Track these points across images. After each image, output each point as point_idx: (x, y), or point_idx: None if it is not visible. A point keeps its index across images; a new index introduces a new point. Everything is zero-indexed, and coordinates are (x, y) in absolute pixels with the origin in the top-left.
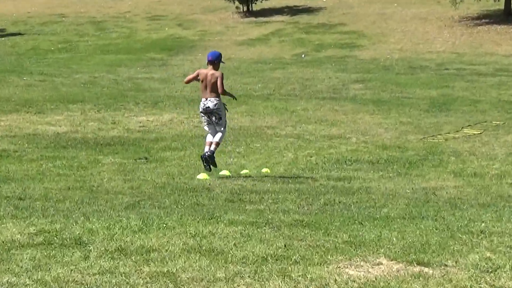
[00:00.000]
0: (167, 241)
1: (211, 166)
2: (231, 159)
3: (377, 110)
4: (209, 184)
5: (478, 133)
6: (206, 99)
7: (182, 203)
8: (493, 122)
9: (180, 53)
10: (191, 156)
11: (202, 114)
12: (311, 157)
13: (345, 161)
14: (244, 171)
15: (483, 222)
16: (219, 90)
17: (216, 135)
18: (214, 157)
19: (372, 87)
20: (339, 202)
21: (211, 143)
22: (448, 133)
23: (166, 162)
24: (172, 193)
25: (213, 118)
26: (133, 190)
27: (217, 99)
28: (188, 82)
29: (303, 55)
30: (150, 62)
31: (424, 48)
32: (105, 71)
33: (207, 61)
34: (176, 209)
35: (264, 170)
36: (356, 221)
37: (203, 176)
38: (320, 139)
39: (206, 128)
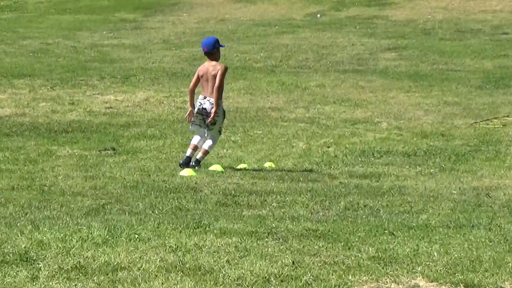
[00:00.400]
0: (140, 257)
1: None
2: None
3: (415, 87)
4: (196, 183)
5: None
6: (204, 98)
7: (160, 207)
8: None
9: (159, 12)
10: (172, 146)
11: (196, 114)
12: (328, 147)
13: (373, 153)
14: (241, 166)
15: None
16: (215, 85)
17: (206, 141)
18: (199, 165)
19: (408, 56)
20: (364, 206)
21: (195, 147)
22: (507, 116)
23: (140, 154)
24: (147, 195)
25: (207, 121)
26: (97, 191)
27: (218, 100)
28: (193, 89)
29: (318, 15)
30: (120, 24)
31: (476, 6)
32: (61, 36)
33: (203, 53)
34: (152, 215)
35: (267, 164)
36: (386, 231)
37: (188, 172)
38: (340, 125)
39: (192, 128)
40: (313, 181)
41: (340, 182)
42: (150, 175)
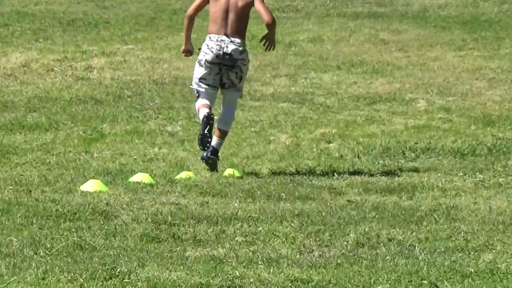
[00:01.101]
0: None
1: (215, 166)
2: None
3: (472, 41)
4: (108, 204)
5: None
6: (225, 40)
7: (48, 245)
8: None
9: None
10: (67, 142)
11: (209, 66)
12: (328, 142)
13: (403, 152)
14: (183, 175)
15: None
16: (266, 19)
17: (223, 117)
18: (217, 158)
19: None
20: (389, 241)
21: (209, 107)
22: None
23: (14, 156)
24: (25, 224)
25: (229, 78)
26: None
27: (243, 41)
28: (193, 15)
29: None
30: None
31: None
32: None
33: None
34: (35, 258)
35: (228, 171)
36: (425, 281)
37: (92, 185)
38: (348, 105)
39: (203, 92)
40: (303, 199)
41: (348, 201)
42: (31, 191)
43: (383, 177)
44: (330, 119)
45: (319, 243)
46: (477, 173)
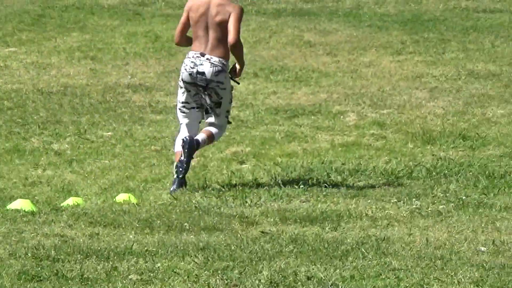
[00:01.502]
0: None
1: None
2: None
3: (413, 43)
4: None
5: None
6: (202, 55)
7: None
8: None
9: None
10: None
11: (185, 86)
12: (241, 163)
13: (328, 174)
14: (70, 201)
15: None
16: (230, 39)
17: (208, 130)
18: (193, 152)
19: None
20: (308, 279)
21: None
22: None
23: None
24: None
25: (207, 99)
26: None
27: (223, 61)
28: (181, 39)
29: None
30: None
31: None
32: None
33: None
34: None
35: (123, 197)
36: None
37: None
38: (265, 118)
39: (181, 116)
40: (209, 230)
41: (262, 232)
42: None
43: (304, 204)
44: (244, 136)
45: (226, 282)
46: (414, 199)
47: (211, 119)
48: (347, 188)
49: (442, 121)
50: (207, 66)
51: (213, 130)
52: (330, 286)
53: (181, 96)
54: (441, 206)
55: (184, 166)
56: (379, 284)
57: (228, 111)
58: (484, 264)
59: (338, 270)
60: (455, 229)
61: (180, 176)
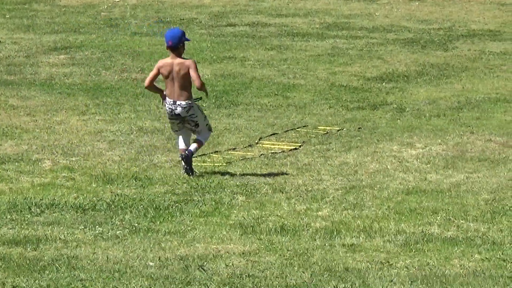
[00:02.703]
0: None
1: (191, 169)
2: None
3: (95, 106)
4: None
5: (291, 149)
6: (175, 103)
7: None
8: (320, 128)
9: None
10: None
11: (170, 120)
12: None
13: (29, 208)
14: None
15: None
16: (197, 84)
17: (199, 136)
18: (191, 160)
19: (85, 61)
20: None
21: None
22: (233, 149)
23: None
24: None
25: (187, 125)
26: None
27: (189, 101)
28: (151, 85)
29: None
30: None
31: None
32: None
33: (166, 47)
34: None
35: None
36: None
37: None
38: None
39: (176, 135)
40: None
41: None
42: None
43: (10, 230)
44: None
45: None
46: (97, 226)
47: (197, 134)
48: (44, 218)
49: (119, 166)
50: (179, 109)
51: (200, 138)
52: None
53: (171, 125)
54: (118, 231)
55: (189, 170)
56: None
57: (206, 125)
58: (152, 276)
59: (37, 281)
60: (130, 249)
61: (190, 174)
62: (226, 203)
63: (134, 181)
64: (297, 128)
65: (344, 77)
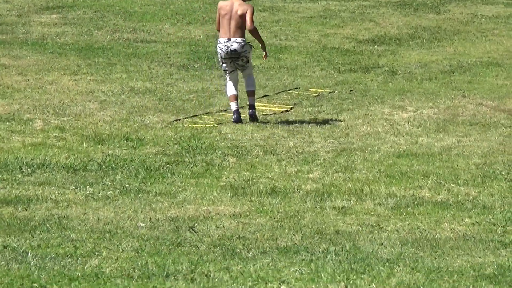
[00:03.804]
0: None
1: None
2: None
3: (86, 66)
4: None
5: (283, 111)
6: (229, 40)
7: None
8: (311, 90)
9: None
10: None
11: (224, 60)
12: None
13: (20, 167)
14: None
15: None
16: (249, 26)
17: (247, 83)
18: (256, 114)
19: (76, 20)
20: (5, 248)
21: (236, 97)
22: (224, 110)
23: None
24: None
25: (239, 63)
26: None
27: (243, 39)
28: (219, 27)
29: None
30: None
31: None
32: None
33: None
34: None
35: None
36: (36, 284)
37: None
38: None
39: (227, 76)
40: None
41: None
42: None
43: (1, 190)
44: None
45: None
46: (88, 187)
47: (245, 72)
48: (35, 178)
49: (110, 126)
50: (235, 45)
51: (250, 87)
52: (22, 253)
53: (221, 65)
54: (109, 192)
55: (254, 118)
56: (60, 251)
57: (251, 64)
58: (143, 236)
59: (28, 241)
60: (120, 210)
61: (237, 121)
62: (217, 164)
63: (125, 142)
64: (289, 90)
65: (336, 40)
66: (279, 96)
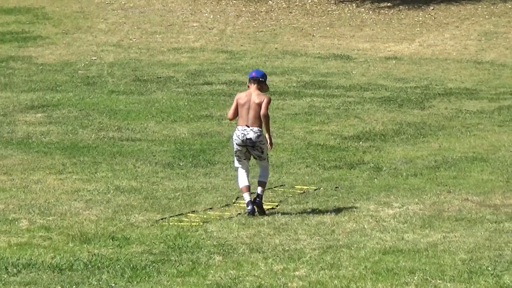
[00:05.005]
0: None
1: (263, 211)
2: None
3: (72, 165)
4: None
5: (268, 208)
6: (247, 128)
7: None
8: (297, 187)
9: None
10: None
11: (239, 148)
12: None
13: (6, 268)
14: None
15: None
16: (263, 111)
17: (260, 174)
18: (262, 204)
19: (62, 119)
20: None
21: (248, 188)
22: (210, 208)
23: None
24: None
25: (255, 152)
26: None
27: (260, 129)
28: (234, 116)
29: None
30: None
31: (165, 43)
32: None
33: (249, 80)
34: None
35: None
36: None
37: None
38: None
39: (238, 164)
40: None
41: None
42: None
43: None
44: None
45: None
46: (74, 287)
47: (260, 163)
48: (21, 278)
49: (95, 226)
50: (252, 134)
51: (263, 177)
52: None
53: (236, 152)
54: None
55: (262, 212)
56: None
57: (267, 154)
58: None
59: None
60: None
61: (251, 212)
62: (203, 263)
63: (111, 241)
64: (274, 187)
65: (321, 136)
66: (265, 194)
